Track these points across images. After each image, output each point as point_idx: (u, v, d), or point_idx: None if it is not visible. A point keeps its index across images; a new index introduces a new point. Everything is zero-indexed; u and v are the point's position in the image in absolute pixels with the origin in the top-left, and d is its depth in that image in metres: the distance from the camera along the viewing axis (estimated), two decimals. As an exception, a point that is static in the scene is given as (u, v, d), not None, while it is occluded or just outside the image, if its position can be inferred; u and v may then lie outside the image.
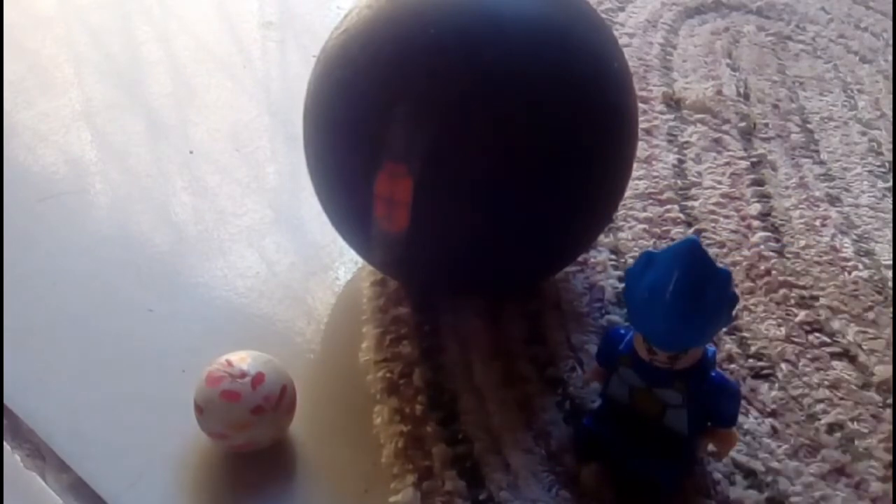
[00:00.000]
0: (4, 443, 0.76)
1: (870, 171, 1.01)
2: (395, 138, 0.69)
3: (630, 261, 0.89)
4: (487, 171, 0.71)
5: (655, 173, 1.00)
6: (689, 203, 0.97)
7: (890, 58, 1.17)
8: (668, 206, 0.96)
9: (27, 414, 0.78)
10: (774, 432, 0.75)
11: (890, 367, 0.80)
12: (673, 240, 0.91)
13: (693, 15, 1.27)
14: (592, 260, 0.90)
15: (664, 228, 0.94)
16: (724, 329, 0.82)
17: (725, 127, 1.07)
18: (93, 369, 0.82)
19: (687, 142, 1.05)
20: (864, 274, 0.89)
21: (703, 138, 1.05)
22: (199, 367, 0.73)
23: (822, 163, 1.02)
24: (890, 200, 0.97)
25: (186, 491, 0.73)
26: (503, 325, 0.84)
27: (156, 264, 0.92)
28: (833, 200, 0.97)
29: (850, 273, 0.89)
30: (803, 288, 0.88)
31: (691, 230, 0.93)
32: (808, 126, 1.07)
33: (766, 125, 1.07)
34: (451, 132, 0.70)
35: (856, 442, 0.75)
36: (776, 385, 0.79)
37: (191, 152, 1.06)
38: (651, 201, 0.97)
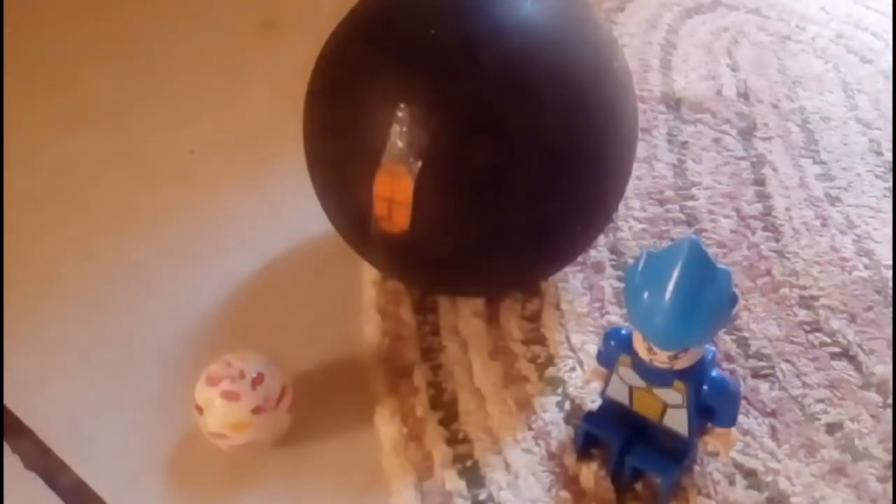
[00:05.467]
0: (4, 443, 0.76)
1: (870, 171, 1.01)
2: (396, 138, 0.69)
3: (630, 261, 0.89)
4: (487, 171, 0.71)
5: (655, 173, 1.00)
6: (689, 203, 0.97)
7: (890, 58, 1.17)
8: (668, 206, 0.96)
9: (27, 414, 0.78)
10: (774, 432, 0.75)
11: (890, 367, 0.80)
12: (673, 239, 0.91)
13: (693, 15, 1.27)
14: (592, 260, 0.90)
15: (664, 228, 0.94)
16: (724, 329, 0.82)
17: (725, 127, 1.07)
18: (93, 369, 0.82)
19: (687, 142, 1.05)
20: (864, 274, 0.89)
21: (703, 138, 1.05)
22: (199, 367, 0.73)
23: (822, 163, 1.02)
24: (890, 200, 0.97)
25: (186, 491, 0.73)
26: (503, 325, 0.84)
27: (155, 264, 0.92)
28: (833, 200, 0.97)
29: (850, 273, 0.89)
30: (803, 288, 0.87)
31: (691, 230, 0.93)
32: (808, 126, 1.07)
33: (766, 125, 1.07)
34: (451, 132, 0.70)
35: (855, 442, 0.75)
36: (776, 385, 0.79)
37: (191, 152, 1.06)
38: (651, 201, 0.97)
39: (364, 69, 0.73)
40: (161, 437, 0.76)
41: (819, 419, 0.76)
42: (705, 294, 0.61)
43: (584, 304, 0.86)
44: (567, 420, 0.76)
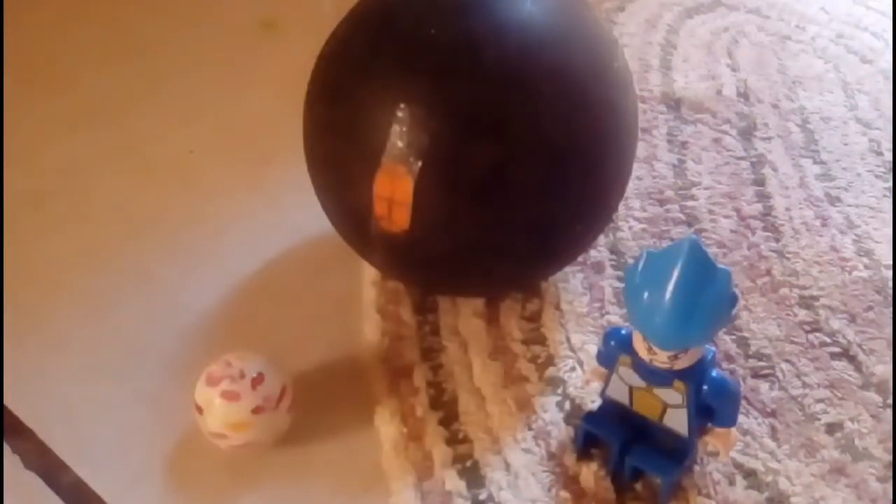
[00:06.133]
0: (4, 443, 0.76)
1: (870, 171, 1.01)
2: (396, 138, 0.69)
3: (630, 261, 0.89)
4: (487, 171, 0.71)
5: (655, 173, 1.00)
6: (689, 203, 0.97)
7: (890, 58, 1.17)
8: (668, 206, 0.96)
9: (27, 414, 0.78)
10: (774, 432, 0.75)
11: (890, 367, 0.80)
12: (673, 239, 0.91)
13: (693, 15, 1.27)
14: (592, 260, 0.90)
15: (664, 228, 0.94)
16: (724, 329, 0.82)
17: (725, 127, 1.07)
18: (93, 369, 0.82)
19: (687, 142, 1.05)
20: (864, 274, 0.89)
21: (703, 138, 1.05)
22: (199, 367, 0.73)
23: (822, 163, 1.02)
24: (890, 200, 0.97)
25: (186, 491, 0.73)
26: (503, 325, 0.84)
27: (155, 264, 0.92)
28: (833, 200, 0.97)
29: (850, 273, 0.89)
30: (803, 288, 0.87)
31: (691, 230, 0.93)
32: (808, 126, 1.07)
33: (766, 125, 1.07)
34: (451, 132, 0.70)
35: (855, 442, 0.75)
36: (776, 385, 0.79)
37: (191, 152, 1.06)
38: (651, 201, 0.97)
39: (364, 69, 0.73)
40: (161, 437, 0.76)
41: (819, 419, 0.76)
42: (705, 294, 0.61)
43: (584, 304, 0.86)
44: (567, 420, 0.76)
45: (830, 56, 1.19)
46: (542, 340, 0.82)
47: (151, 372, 0.82)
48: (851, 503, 0.71)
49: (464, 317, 0.84)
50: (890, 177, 1.00)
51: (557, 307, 0.85)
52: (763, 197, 0.98)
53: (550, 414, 0.77)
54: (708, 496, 0.71)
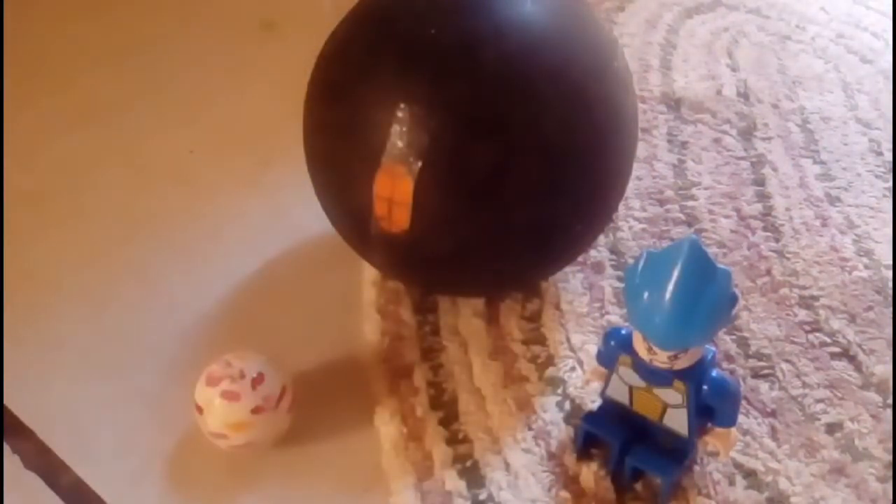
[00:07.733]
0: (4, 443, 0.76)
1: (870, 171, 1.01)
2: (396, 138, 0.69)
3: (630, 261, 0.89)
4: (487, 171, 0.71)
5: (655, 173, 1.00)
6: (689, 203, 0.97)
7: (890, 58, 1.17)
8: (668, 206, 0.96)
9: (27, 414, 0.78)
10: (774, 432, 0.75)
11: (890, 367, 0.80)
12: (673, 239, 0.91)
13: (693, 15, 1.26)
14: (592, 260, 0.90)
15: (664, 228, 0.94)
16: (724, 329, 0.82)
17: (725, 127, 1.07)
18: (93, 369, 0.82)
19: (687, 142, 1.05)
20: (864, 274, 0.89)
21: (703, 138, 1.05)
22: (199, 366, 0.73)
23: (822, 163, 1.02)
24: (890, 200, 0.97)
25: (186, 491, 0.73)
26: (503, 325, 0.84)
27: (155, 264, 0.92)
28: (833, 200, 0.97)
29: (850, 273, 0.89)
30: (803, 288, 0.87)
31: (691, 230, 0.93)
32: (808, 126, 1.07)
33: (766, 125, 1.07)
34: (451, 132, 0.70)
35: (855, 442, 0.75)
36: (776, 385, 0.79)
37: (191, 151, 1.06)
38: (651, 201, 0.97)
39: (364, 69, 0.73)
40: (161, 437, 0.76)
41: (819, 419, 0.76)
42: (705, 294, 0.61)
43: (584, 304, 0.86)
44: (567, 420, 0.76)
45: (830, 56, 1.19)
46: (542, 340, 0.82)
47: (151, 372, 0.82)
48: (851, 503, 0.71)
49: (464, 317, 0.84)
50: (890, 177, 1.00)
51: (557, 307, 0.85)
52: (763, 197, 0.98)
53: (550, 414, 0.77)
54: (708, 496, 0.71)
